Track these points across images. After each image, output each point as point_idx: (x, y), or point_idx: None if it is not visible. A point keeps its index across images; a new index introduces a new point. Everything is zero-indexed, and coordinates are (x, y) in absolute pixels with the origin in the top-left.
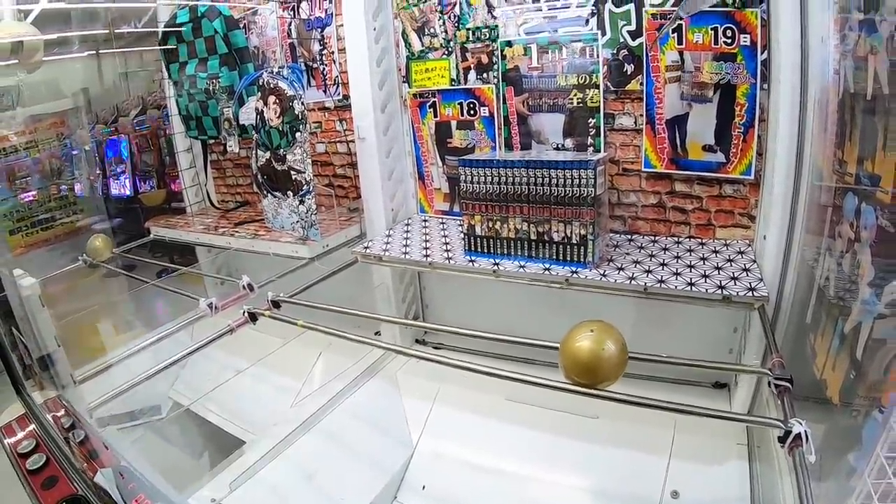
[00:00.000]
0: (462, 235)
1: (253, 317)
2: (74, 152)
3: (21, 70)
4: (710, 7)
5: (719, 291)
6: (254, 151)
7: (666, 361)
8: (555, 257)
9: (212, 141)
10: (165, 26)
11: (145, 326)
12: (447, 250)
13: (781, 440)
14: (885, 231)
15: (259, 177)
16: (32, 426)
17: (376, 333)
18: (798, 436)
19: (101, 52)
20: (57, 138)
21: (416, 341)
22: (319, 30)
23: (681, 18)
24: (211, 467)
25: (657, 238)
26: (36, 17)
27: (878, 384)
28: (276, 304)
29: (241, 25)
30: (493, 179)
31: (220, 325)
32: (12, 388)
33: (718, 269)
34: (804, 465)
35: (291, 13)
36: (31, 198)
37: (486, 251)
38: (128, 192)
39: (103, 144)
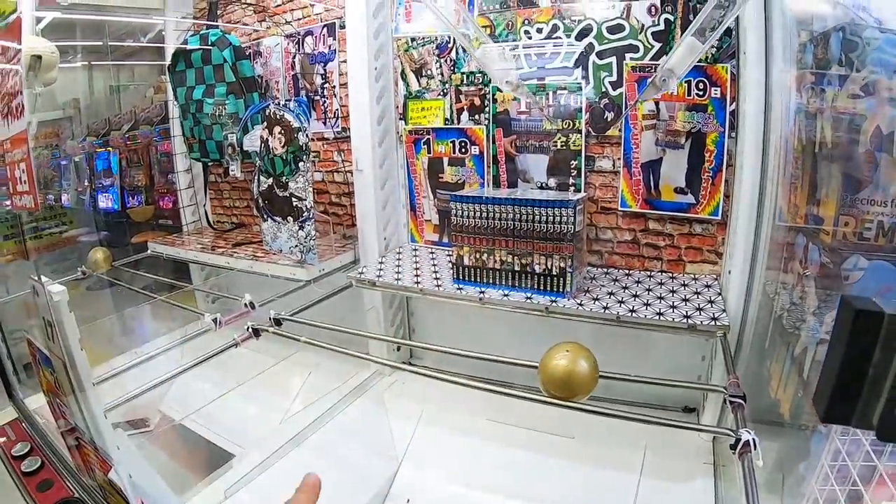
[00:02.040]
0: (450, 265)
1: (256, 332)
2: (63, 163)
3: (38, 84)
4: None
5: (685, 320)
6: (256, 177)
7: (634, 380)
8: (536, 287)
9: (212, 164)
10: (176, 50)
11: (138, 340)
12: (436, 278)
13: (733, 447)
14: (826, 266)
15: (260, 201)
16: (26, 430)
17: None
18: (747, 443)
19: (93, 63)
20: (47, 148)
21: (403, 362)
22: (322, 64)
23: (658, 90)
24: (202, 478)
25: (631, 272)
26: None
27: None
28: (277, 322)
29: (248, 55)
30: (481, 214)
31: (215, 342)
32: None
33: (686, 300)
34: (752, 470)
35: (296, 47)
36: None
37: (473, 280)
38: (115, 206)
39: (93, 157)
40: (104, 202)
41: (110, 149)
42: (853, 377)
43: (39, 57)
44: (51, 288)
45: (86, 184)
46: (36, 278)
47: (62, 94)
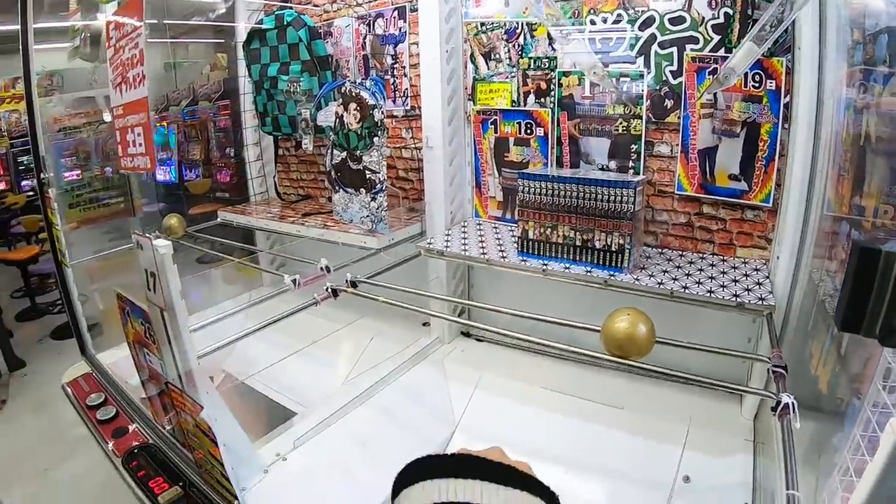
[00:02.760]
0: (514, 239)
1: (335, 292)
2: None
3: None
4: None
5: (734, 299)
6: (329, 151)
7: (687, 346)
8: (596, 262)
9: (283, 137)
10: (251, 29)
11: (213, 300)
12: (501, 250)
13: (774, 409)
14: None
15: (333, 173)
16: (99, 382)
17: (424, 324)
18: (787, 406)
19: (149, 41)
20: (104, 122)
21: (462, 333)
22: (392, 45)
23: (720, 85)
24: (263, 434)
25: (684, 253)
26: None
27: (857, 376)
28: (353, 284)
29: (321, 35)
30: (547, 191)
31: (278, 309)
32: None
33: (735, 281)
34: (790, 431)
35: (367, 28)
36: (75, 176)
37: (536, 253)
38: (173, 179)
39: (153, 131)
40: (161, 175)
41: (168, 123)
42: (860, 299)
43: None
44: (157, 243)
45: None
46: (140, 233)
47: (100, 75)
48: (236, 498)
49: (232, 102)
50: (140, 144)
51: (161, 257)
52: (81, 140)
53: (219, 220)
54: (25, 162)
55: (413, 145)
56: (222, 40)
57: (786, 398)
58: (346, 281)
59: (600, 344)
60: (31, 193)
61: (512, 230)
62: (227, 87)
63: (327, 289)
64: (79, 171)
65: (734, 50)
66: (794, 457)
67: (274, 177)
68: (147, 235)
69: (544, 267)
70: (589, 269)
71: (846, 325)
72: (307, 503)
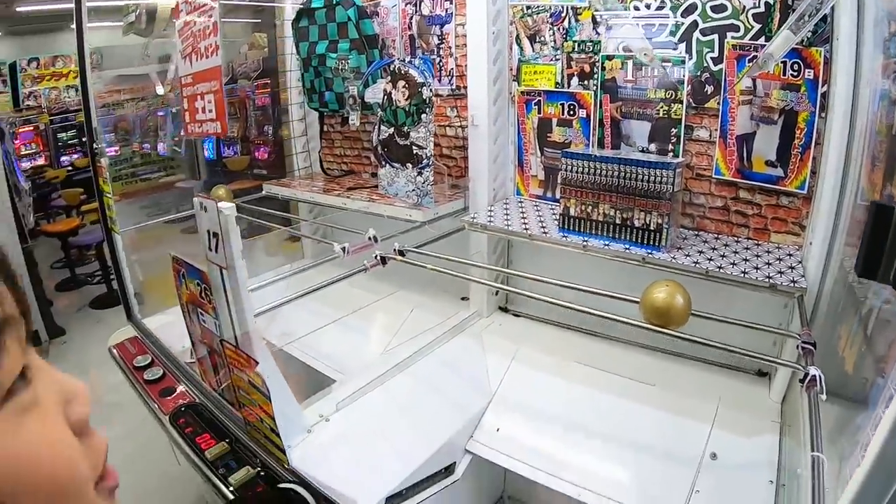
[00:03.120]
0: (554, 216)
1: (384, 260)
2: (160, 113)
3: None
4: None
5: (767, 280)
6: (377, 127)
7: (721, 320)
8: (634, 240)
9: (329, 114)
10: (300, 9)
11: (260, 268)
12: (542, 227)
13: (801, 381)
14: None
15: (379, 148)
16: (145, 345)
17: (463, 298)
18: (814, 378)
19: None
20: (143, 99)
21: (500, 308)
22: (439, 26)
23: (759, 69)
24: (302, 400)
25: (720, 236)
26: None
27: (882, 357)
28: (401, 253)
29: (369, 14)
30: (589, 170)
31: (316, 278)
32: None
33: (769, 264)
34: (817, 403)
35: (414, 8)
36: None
37: (577, 230)
38: (211, 156)
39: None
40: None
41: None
42: (876, 249)
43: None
44: (221, 204)
45: (182, 133)
46: (204, 196)
47: (158, 49)
48: (284, 451)
49: (271, 81)
50: (210, 111)
51: (225, 218)
52: (122, 116)
53: (264, 192)
54: (64, 138)
55: (458, 124)
56: (260, 20)
57: (813, 370)
58: (395, 249)
59: (639, 315)
60: (69, 168)
61: (552, 208)
62: (266, 66)
63: (376, 256)
64: (117, 147)
65: (773, 36)
66: (819, 425)
67: (319, 152)
68: (212, 198)
69: (585, 243)
70: (627, 246)
71: (864, 272)
72: (348, 462)
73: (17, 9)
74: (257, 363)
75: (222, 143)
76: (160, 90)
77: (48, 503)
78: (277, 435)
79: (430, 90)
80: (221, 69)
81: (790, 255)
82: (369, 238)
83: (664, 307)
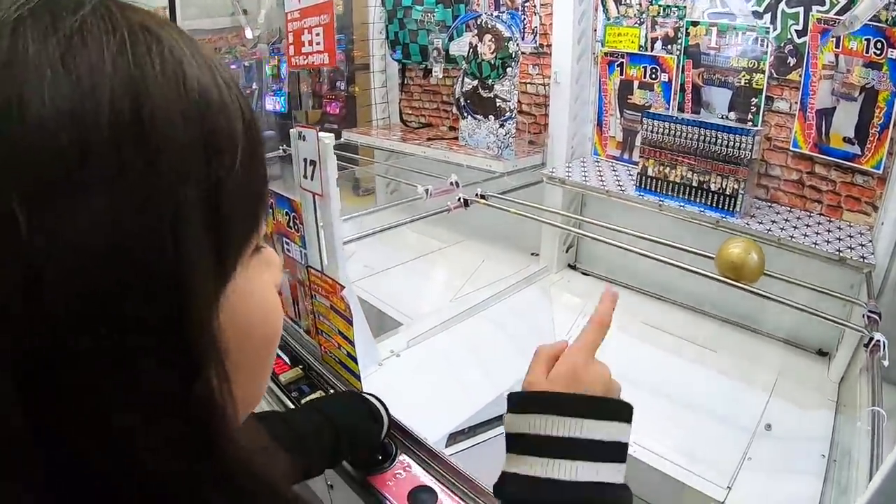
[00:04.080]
0: (631, 177)
1: (466, 203)
2: (233, 66)
3: None
4: (869, 22)
5: (837, 253)
6: (460, 79)
7: (792, 282)
8: (709, 203)
9: (410, 66)
10: None
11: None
12: (620, 185)
13: (866, 346)
14: None
15: (462, 100)
16: None
17: (533, 254)
18: (877, 343)
19: None
20: (218, 52)
21: (569, 265)
22: None
23: (846, 30)
24: (374, 337)
25: (792, 209)
26: None
27: None
28: (483, 197)
29: None
30: (670, 132)
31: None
32: None
33: (840, 240)
34: (879, 366)
35: None
36: None
37: (654, 190)
38: (283, 109)
39: (262, 63)
40: (272, 105)
41: (281, 56)
42: None
43: None
44: (321, 134)
45: (254, 86)
46: (303, 125)
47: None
48: (359, 378)
49: (344, 36)
50: (318, 43)
51: (325, 146)
52: None
53: (342, 139)
54: None
55: (539, 81)
56: None
57: (878, 335)
58: (477, 194)
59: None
60: None
61: (629, 170)
62: (340, 24)
63: (459, 199)
64: None
65: (858, 2)
66: (881, 387)
67: (400, 102)
68: (312, 127)
69: (661, 203)
70: (702, 209)
71: None
72: (416, 396)
73: None
74: (343, 287)
75: (309, 96)
76: (249, 34)
77: (263, 343)
78: (354, 361)
79: (517, 44)
80: (333, 2)
81: (861, 233)
82: (451, 183)
83: (739, 261)
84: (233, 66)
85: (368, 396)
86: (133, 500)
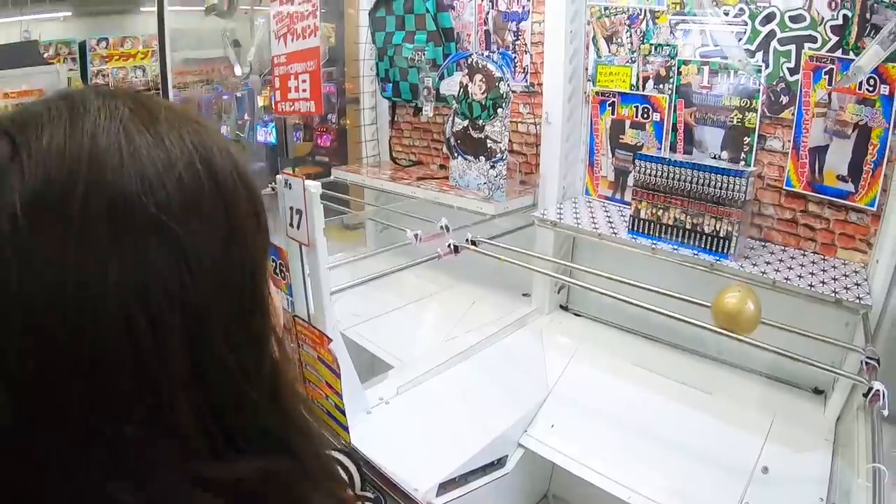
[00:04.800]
0: (623, 218)
1: (456, 249)
2: (225, 97)
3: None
4: (857, 57)
5: (833, 294)
6: (451, 118)
7: (790, 329)
8: (703, 246)
9: (401, 104)
10: None
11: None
12: (612, 227)
13: (865, 395)
14: None
15: (452, 140)
16: None
17: (524, 295)
18: (877, 393)
19: (256, 7)
20: (209, 83)
21: (560, 307)
22: (515, 22)
23: (849, 81)
24: (363, 382)
25: (786, 248)
26: None
27: None
28: (473, 243)
29: (447, 7)
30: (662, 174)
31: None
32: None
33: (835, 280)
34: (879, 416)
35: (490, 4)
36: None
37: (646, 232)
38: (273, 141)
39: (254, 93)
40: (263, 136)
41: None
42: None
43: None
44: (308, 182)
45: (245, 117)
46: (290, 173)
47: (230, 34)
48: (347, 430)
49: (336, 70)
50: (305, 90)
51: (311, 195)
52: (187, 98)
53: (332, 177)
54: None
55: (530, 120)
56: (326, 10)
57: (877, 385)
58: (467, 239)
59: (704, 321)
60: None
61: (621, 210)
62: (333, 56)
63: (449, 245)
64: None
65: (864, 50)
66: (882, 440)
67: (390, 140)
68: (299, 175)
69: (654, 246)
70: (696, 252)
71: None
72: (406, 445)
73: None
74: (330, 340)
75: (297, 131)
76: (238, 71)
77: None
78: (343, 413)
79: (508, 85)
80: (320, 50)
81: (856, 272)
82: (441, 227)
83: (735, 312)
84: (225, 97)
85: (338, 456)
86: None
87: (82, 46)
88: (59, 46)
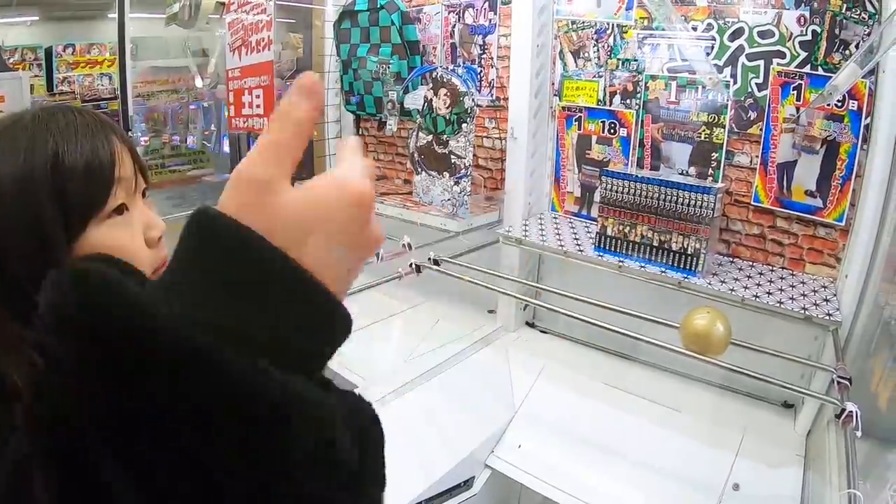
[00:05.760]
0: (590, 234)
1: (418, 268)
2: (192, 107)
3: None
4: (826, 73)
5: (802, 311)
6: (415, 133)
7: (760, 350)
8: (671, 263)
9: (365, 117)
10: (343, 10)
11: None
12: (578, 244)
13: (837, 416)
14: None
15: (416, 156)
16: None
17: (490, 311)
18: (850, 414)
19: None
20: (175, 92)
21: (527, 323)
22: (482, 36)
23: (824, 100)
24: None
25: (754, 264)
26: None
27: None
28: (436, 262)
29: (413, 20)
30: (629, 191)
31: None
32: None
33: (804, 295)
34: (853, 439)
35: (457, 17)
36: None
37: (613, 250)
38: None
39: (221, 103)
40: (228, 146)
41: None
42: None
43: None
44: None
45: (212, 128)
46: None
47: (196, 42)
48: None
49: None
50: (258, 106)
51: None
52: (153, 107)
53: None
54: None
55: (496, 135)
56: (295, 20)
57: (850, 406)
58: (429, 259)
59: (671, 340)
60: None
61: (587, 226)
62: (300, 66)
63: (411, 264)
64: (147, 138)
65: (840, 69)
66: (856, 463)
67: None
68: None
69: (620, 263)
70: (663, 269)
71: None
72: None
73: None
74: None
75: (251, 139)
76: (199, 83)
77: None
78: None
79: (473, 100)
80: (273, 64)
81: (825, 287)
82: (403, 245)
83: (704, 333)
84: (192, 107)
85: None
86: None
87: (48, 52)
88: (25, 52)
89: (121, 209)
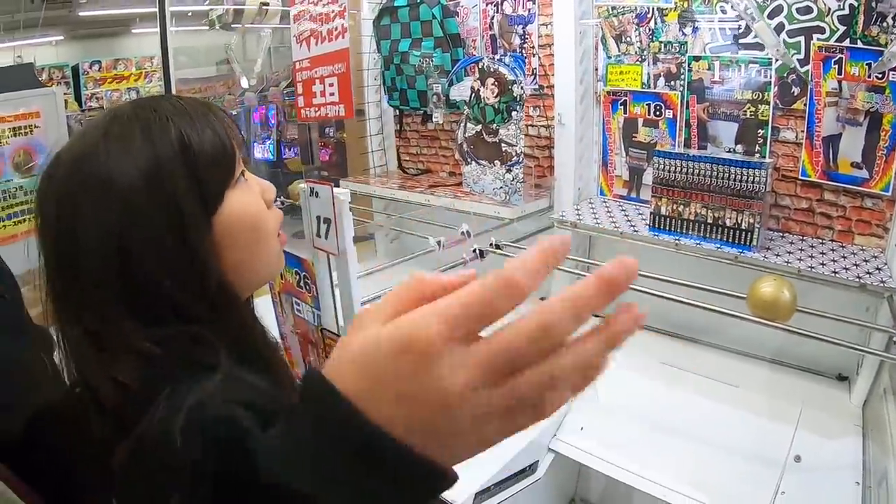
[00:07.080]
0: (640, 216)
1: (482, 253)
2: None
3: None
4: (865, 46)
5: (857, 279)
6: (463, 124)
7: (822, 315)
8: (725, 239)
9: (407, 112)
10: (383, 6)
11: None
12: (632, 225)
13: None
14: None
15: (465, 146)
16: None
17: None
18: None
19: (248, 26)
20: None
21: None
22: (521, 26)
23: (885, 66)
24: None
25: (804, 238)
26: None
27: None
28: (497, 247)
29: (453, 13)
30: (681, 170)
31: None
32: None
33: (856, 265)
34: None
35: (495, 8)
36: None
37: (667, 229)
38: (271, 157)
39: (251, 110)
40: (261, 153)
41: (270, 103)
42: None
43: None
44: (337, 190)
45: (242, 134)
46: (315, 181)
47: (220, 53)
48: None
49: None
50: (332, 94)
51: (341, 203)
52: None
53: (340, 188)
54: None
55: (541, 123)
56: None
57: None
58: (490, 244)
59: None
60: None
61: (637, 208)
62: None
63: (474, 250)
64: None
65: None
66: None
67: (397, 149)
68: (327, 183)
69: (677, 242)
70: (719, 245)
71: None
72: None
73: (80, 13)
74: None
75: (283, 145)
76: (244, 83)
77: (252, 233)
78: None
79: (521, 88)
80: (349, 51)
81: (875, 256)
82: (462, 233)
83: (773, 300)
84: None
85: None
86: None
87: (75, 70)
88: (52, 71)
89: (243, 175)
